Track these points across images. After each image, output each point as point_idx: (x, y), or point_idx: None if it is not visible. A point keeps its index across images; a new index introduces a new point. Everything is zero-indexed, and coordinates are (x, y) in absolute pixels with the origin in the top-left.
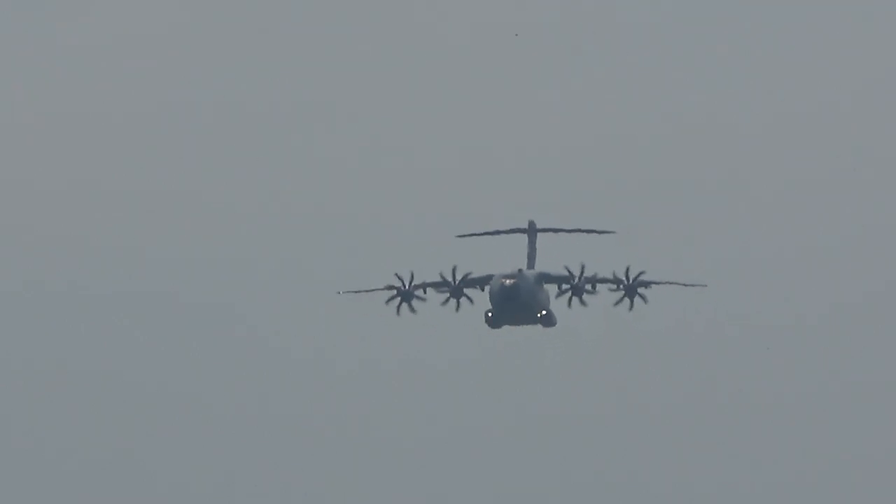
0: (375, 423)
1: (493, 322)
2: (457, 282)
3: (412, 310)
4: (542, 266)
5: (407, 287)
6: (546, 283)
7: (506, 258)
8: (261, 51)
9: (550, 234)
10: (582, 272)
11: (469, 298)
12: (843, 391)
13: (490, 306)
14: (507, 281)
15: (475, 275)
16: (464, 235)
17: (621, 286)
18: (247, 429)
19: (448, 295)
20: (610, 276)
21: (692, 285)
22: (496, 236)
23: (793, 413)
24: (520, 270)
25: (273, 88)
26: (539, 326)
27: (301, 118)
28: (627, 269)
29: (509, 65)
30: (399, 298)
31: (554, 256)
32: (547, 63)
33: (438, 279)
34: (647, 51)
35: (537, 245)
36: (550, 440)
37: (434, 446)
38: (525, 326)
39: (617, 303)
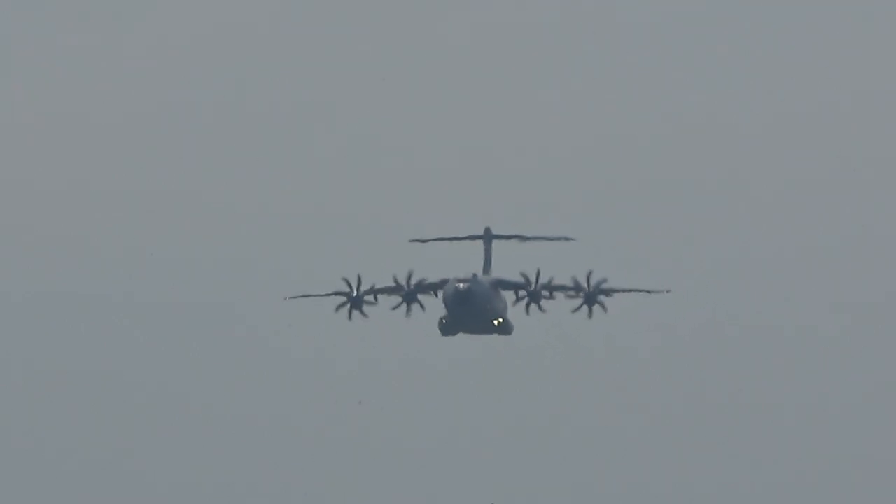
0: (331, 425)
1: (447, 328)
2: (410, 286)
3: (363, 315)
4: (502, 274)
5: (356, 292)
6: (503, 289)
7: (461, 265)
8: (243, 50)
9: (512, 241)
10: (538, 278)
11: (421, 304)
12: (818, 395)
13: (444, 312)
14: (462, 285)
15: (429, 280)
16: (417, 240)
17: (581, 293)
18: (218, 428)
19: (400, 300)
20: (569, 283)
21: (656, 292)
22: (452, 243)
23: (766, 418)
24: (474, 275)
25: (236, 89)
26: (495, 335)
27: (258, 120)
28: (589, 276)
29: (474, 70)
30: (349, 304)
31: (515, 264)
32: (513, 70)
33: (390, 284)
34: (610, 56)
35: (493, 253)
36: (503, 448)
37: (383, 452)
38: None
39: (575, 310)
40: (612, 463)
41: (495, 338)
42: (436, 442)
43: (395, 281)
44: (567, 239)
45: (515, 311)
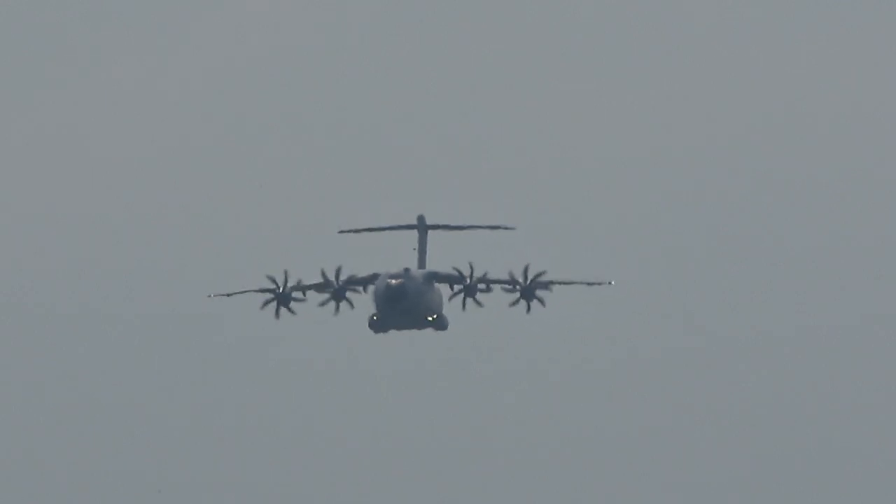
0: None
1: (378, 325)
2: (339, 282)
3: (291, 312)
4: (438, 266)
5: (282, 288)
6: (436, 282)
7: (394, 257)
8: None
9: (448, 231)
10: (472, 271)
11: (350, 302)
12: (777, 386)
13: (374, 309)
14: (393, 281)
15: (359, 275)
16: (347, 231)
17: (517, 287)
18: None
19: (328, 296)
20: (505, 276)
21: (597, 283)
22: (384, 233)
23: (717, 414)
24: (406, 270)
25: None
26: (429, 330)
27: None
28: (526, 269)
29: (404, 52)
30: (276, 301)
31: (453, 255)
32: (446, 52)
33: (318, 279)
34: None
35: (428, 244)
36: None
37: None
38: (413, 331)
39: (513, 304)
40: (555, 464)
41: (429, 332)
42: (373, 446)
43: (324, 276)
44: (507, 228)
45: (452, 306)
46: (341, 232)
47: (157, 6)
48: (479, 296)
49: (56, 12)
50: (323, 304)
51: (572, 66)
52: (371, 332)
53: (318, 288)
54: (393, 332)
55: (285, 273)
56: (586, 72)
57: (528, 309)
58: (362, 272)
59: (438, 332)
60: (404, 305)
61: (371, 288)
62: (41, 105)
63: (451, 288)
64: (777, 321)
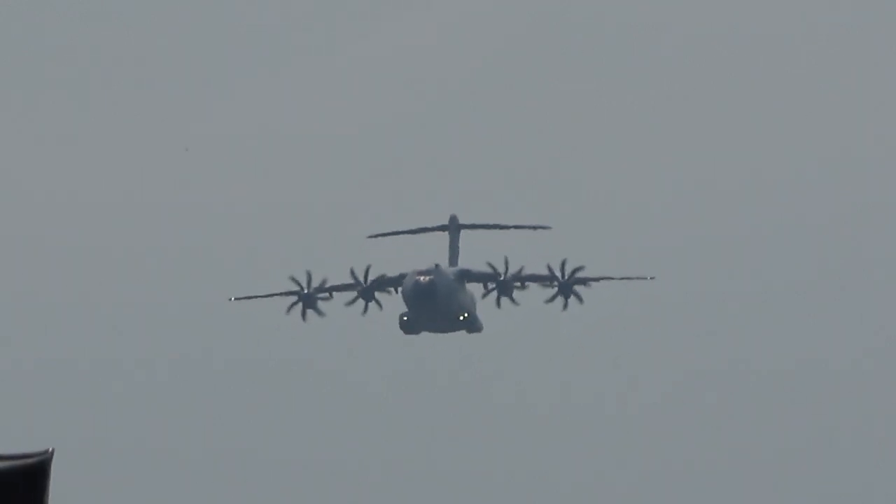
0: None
1: (409, 326)
2: (368, 281)
3: (320, 313)
4: (468, 266)
5: (307, 290)
6: (468, 281)
7: (426, 260)
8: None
9: (479, 231)
10: (507, 267)
11: (378, 303)
12: (820, 385)
13: (405, 309)
14: (422, 278)
15: (389, 275)
16: (377, 235)
17: (555, 283)
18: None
19: (356, 295)
20: (542, 273)
21: (638, 278)
22: (415, 235)
23: (763, 415)
24: (436, 266)
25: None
26: (462, 332)
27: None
28: (563, 264)
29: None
30: (301, 303)
31: (488, 258)
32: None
33: (347, 280)
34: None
35: (461, 244)
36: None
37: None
38: (446, 333)
39: (549, 300)
40: (597, 464)
41: (462, 335)
42: (406, 452)
43: (353, 275)
44: (543, 228)
45: (486, 306)
46: (371, 237)
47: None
48: (514, 294)
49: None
50: (350, 303)
51: (607, 60)
52: (402, 334)
53: (345, 289)
54: (425, 335)
55: (308, 274)
56: (619, 65)
57: (566, 305)
58: (393, 274)
59: (472, 333)
60: (434, 303)
61: (401, 289)
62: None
63: (485, 287)
64: (837, 306)
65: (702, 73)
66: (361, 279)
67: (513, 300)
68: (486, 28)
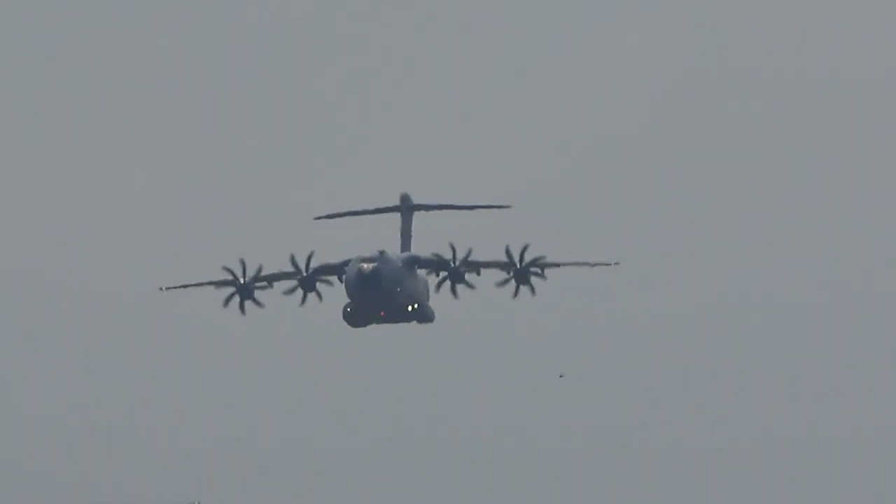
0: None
1: (353, 319)
2: (308, 269)
3: (258, 304)
4: (425, 251)
5: (244, 280)
6: (419, 268)
7: (380, 245)
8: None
9: (437, 212)
10: (454, 253)
11: (318, 294)
12: (789, 371)
13: (348, 300)
14: (366, 265)
15: (331, 262)
16: (324, 217)
17: (510, 270)
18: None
19: (295, 284)
20: (496, 259)
21: (601, 265)
22: (364, 217)
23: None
24: (381, 252)
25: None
26: (413, 323)
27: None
28: (523, 250)
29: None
30: (237, 294)
31: (444, 240)
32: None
33: (285, 268)
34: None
35: (413, 227)
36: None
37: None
38: (393, 324)
39: (500, 284)
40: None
41: (413, 326)
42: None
43: (293, 262)
44: (501, 207)
45: (441, 295)
46: (317, 218)
47: None
48: (470, 278)
49: None
50: (288, 292)
51: (568, 36)
52: (347, 327)
53: (283, 277)
54: (371, 327)
55: (242, 263)
56: (583, 42)
57: (516, 293)
58: (337, 260)
59: (423, 324)
60: (378, 293)
61: (344, 276)
62: None
63: (437, 275)
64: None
65: (673, 46)
66: (302, 267)
67: (469, 285)
68: None
